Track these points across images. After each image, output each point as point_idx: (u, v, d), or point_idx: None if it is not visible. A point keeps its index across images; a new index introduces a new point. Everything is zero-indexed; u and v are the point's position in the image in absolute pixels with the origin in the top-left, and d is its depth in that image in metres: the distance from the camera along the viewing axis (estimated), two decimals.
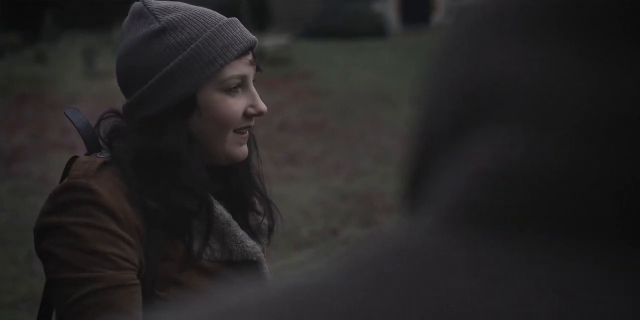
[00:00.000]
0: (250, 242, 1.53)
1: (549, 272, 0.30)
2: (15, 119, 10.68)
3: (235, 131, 1.50)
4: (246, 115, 1.51)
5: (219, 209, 1.51)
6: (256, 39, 1.53)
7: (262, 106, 1.52)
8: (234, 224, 1.52)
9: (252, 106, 1.51)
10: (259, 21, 22.38)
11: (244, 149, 1.53)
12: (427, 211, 0.33)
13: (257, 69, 1.54)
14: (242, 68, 1.49)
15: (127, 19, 1.54)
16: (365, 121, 10.21)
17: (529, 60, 0.31)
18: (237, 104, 1.49)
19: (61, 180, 1.50)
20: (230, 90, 1.49)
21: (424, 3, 25.03)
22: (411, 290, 0.30)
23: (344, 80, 13.59)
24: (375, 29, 21.46)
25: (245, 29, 1.53)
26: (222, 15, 1.54)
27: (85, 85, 12.93)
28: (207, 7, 1.56)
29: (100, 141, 1.50)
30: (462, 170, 0.32)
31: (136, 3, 1.53)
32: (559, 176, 0.30)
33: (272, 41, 17.66)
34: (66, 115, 1.53)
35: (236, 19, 1.54)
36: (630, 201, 0.30)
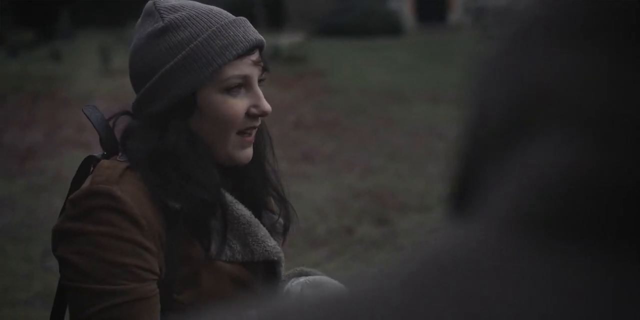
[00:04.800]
0: (271, 242, 1.52)
1: (610, 284, 0.29)
2: (29, 116, 10.72)
3: (239, 133, 1.48)
4: (249, 116, 1.48)
5: (240, 209, 1.49)
6: (262, 38, 1.50)
7: (266, 106, 1.48)
8: (255, 223, 1.51)
9: (255, 106, 1.48)
10: (274, 19, 22.39)
11: (247, 152, 1.50)
12: (480, 218, 0.33)
13: (265, 70, 1.50)
14: (244, 68, 1.46)
15: (140, 17, 1.54)
16: (378, 119, 10.20)
17: (575, 68, 0.31)
18: (238, 105, 1.46)
19: (74, 179, 1.50)
20: (232, 90, 1.46)
21: (439, 1, 24.97)
22: (461, 302, 0.29)
23: (357, 79, 13.58)
24: (390, 27, 21.44)
25: (251, 28, 1.49)
26: (229, 15, 1.51)
27: (101, 83, 12.97)
28: (222, 6, 1.54)
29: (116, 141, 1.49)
30: (518, 178, 0.32)
31: (149, 1, 1.53)
32: (619, 185, 0.29)
33: (286, 39, 17.66)
34: (84, 113, 1.51)
35: (243, 18, 1.51)
36: None
